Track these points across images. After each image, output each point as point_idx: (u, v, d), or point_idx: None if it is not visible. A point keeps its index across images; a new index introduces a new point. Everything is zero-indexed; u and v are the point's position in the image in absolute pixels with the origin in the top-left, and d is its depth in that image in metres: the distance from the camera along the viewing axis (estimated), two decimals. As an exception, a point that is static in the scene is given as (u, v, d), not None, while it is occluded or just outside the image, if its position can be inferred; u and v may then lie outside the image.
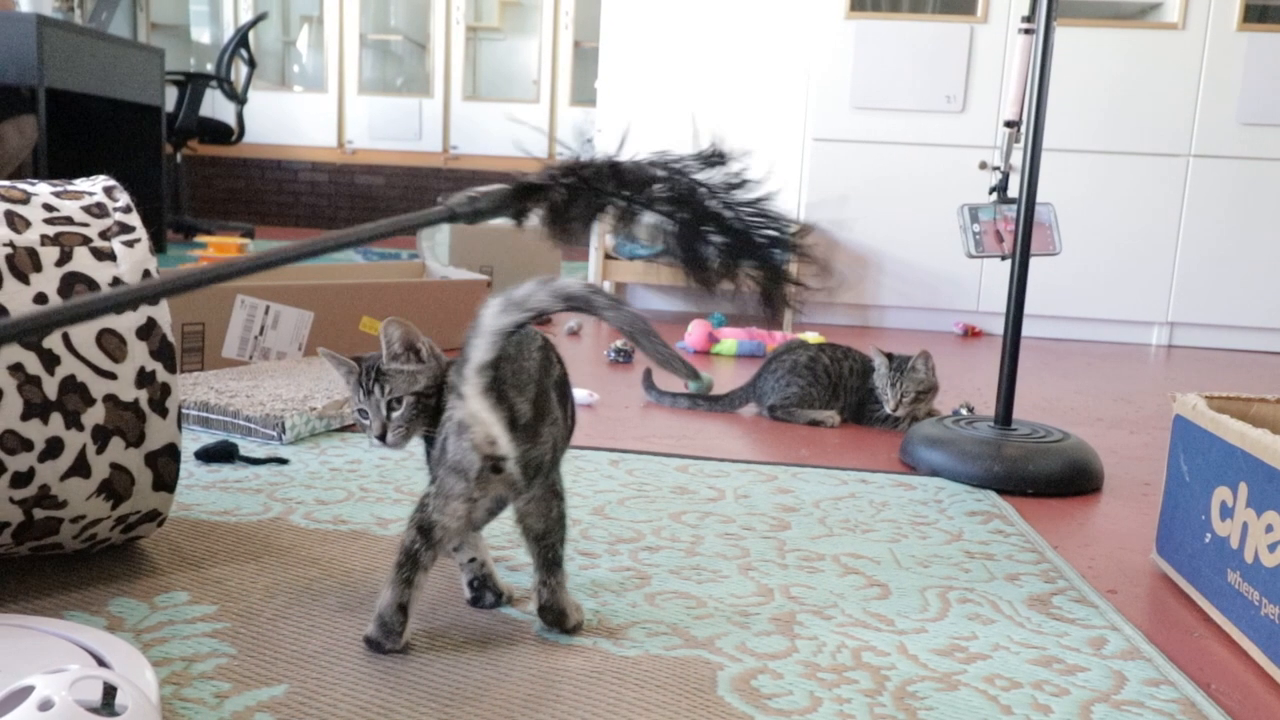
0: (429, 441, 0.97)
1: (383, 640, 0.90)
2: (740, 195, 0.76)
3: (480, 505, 0.88)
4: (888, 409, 1.89)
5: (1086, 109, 3.36)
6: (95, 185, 1.07)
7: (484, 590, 1.01)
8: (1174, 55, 3.33)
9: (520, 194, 0.74)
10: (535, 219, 0.74)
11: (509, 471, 0.86)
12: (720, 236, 0.75)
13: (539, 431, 0.87)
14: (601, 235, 3.41)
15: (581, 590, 1.05)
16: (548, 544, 0.93)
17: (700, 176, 0.76)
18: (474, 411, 0.83)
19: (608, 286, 3.55)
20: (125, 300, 0.64)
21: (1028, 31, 1.59)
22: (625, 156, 0.75)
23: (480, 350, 0.82)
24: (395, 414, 0.94)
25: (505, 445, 0.84)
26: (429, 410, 0.95)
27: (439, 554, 0.90)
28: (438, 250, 3.71)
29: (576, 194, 0.74)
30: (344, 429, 1.67)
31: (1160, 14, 3.46)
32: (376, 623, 0.90)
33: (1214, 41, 3.31)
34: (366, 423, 0.96)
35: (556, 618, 0.95)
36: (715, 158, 0.78)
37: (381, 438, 0.95)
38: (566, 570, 0.96)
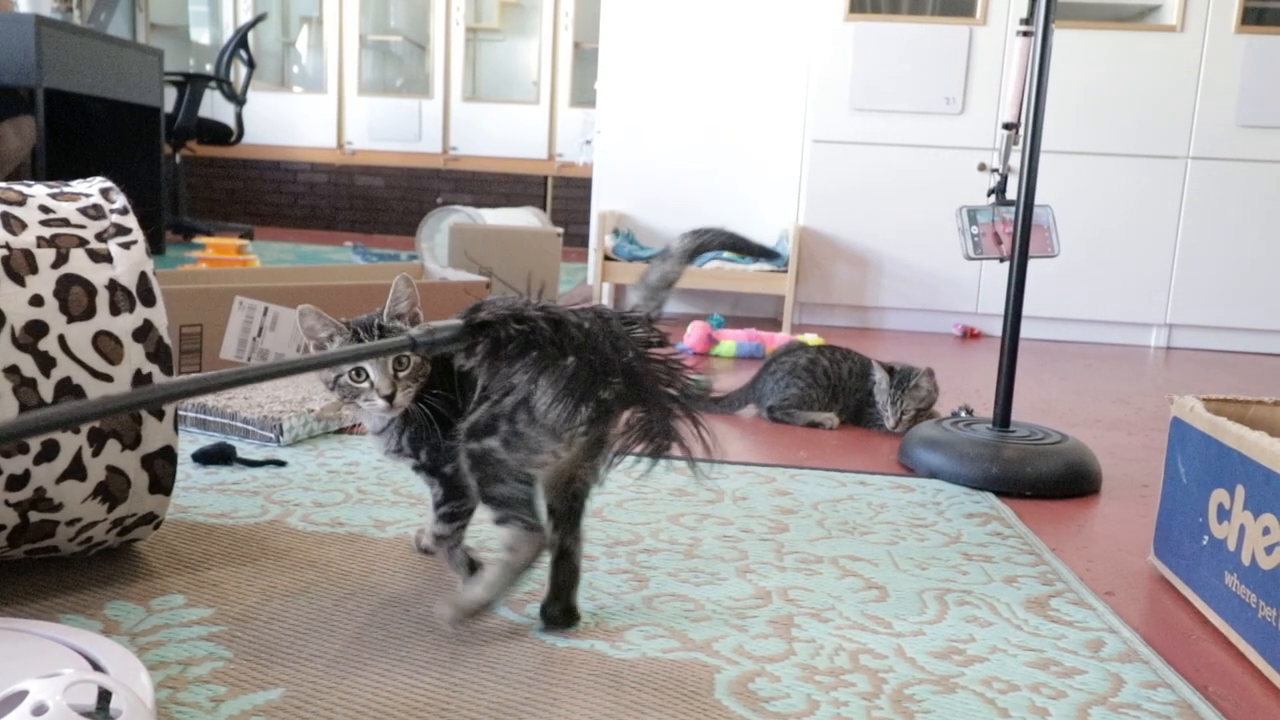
0: (411, 423, 0.98)
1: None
2: (647, 351, 0.89)
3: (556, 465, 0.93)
4: (888, 425, 1.89)
5: (1085, 111, 3.36)
6: (92, 187, 1.07)
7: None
8: (1172, 57, 3.33)
9: (473, 330, 0.85)
10: (480, 351, 0.86)
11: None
12: (619, 383, 0.87)
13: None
14: (600, 237, 3.41)
15: (579, 592, 1.05)
16: (583, 501, 0.97)
17: (620, 332, 0.88)
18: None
19: (606, 288, 3.55)
20: (112, 409, 0.64)
21: (1026, 33, 1.59)
22: (565, 312, 0.88)
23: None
24: (403, 373, 0.93)
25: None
26: (425, 378, 0.95)
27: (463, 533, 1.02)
28: (437, 251, 3.71)
29: (515, 335, 0.85)
30: (341, 431, 1.66)
31: (1159, 16, 3.46)
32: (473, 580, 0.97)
33: (1212, 43, 3.31)
34: (362, 386, 0.94)
35: (570, 573, 0.96)
36: (640, 320, 0.92)
37: (389, 398, 0.94)
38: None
